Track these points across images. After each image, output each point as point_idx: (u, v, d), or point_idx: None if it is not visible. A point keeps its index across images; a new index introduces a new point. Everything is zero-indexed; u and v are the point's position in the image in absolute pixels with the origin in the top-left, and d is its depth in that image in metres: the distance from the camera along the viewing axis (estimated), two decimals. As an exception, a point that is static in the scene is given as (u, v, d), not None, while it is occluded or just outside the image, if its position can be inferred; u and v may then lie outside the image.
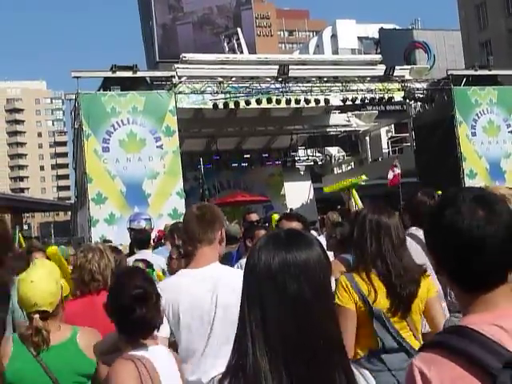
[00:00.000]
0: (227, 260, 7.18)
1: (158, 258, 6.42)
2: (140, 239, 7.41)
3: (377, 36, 63.58)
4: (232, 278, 3.05)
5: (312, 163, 29.91)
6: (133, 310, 2.63)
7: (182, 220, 3.78)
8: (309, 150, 30.26)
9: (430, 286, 3.34)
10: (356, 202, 7.52)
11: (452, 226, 1.56)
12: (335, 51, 70.83)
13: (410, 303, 3.23)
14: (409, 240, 3.64)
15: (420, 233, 3.96)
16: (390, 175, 20.34)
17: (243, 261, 5.48)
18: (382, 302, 3.18)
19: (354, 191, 7.83)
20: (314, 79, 19.76)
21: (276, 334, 1.43)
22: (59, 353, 2.93)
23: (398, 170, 19.95)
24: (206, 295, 3.10)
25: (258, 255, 1.51)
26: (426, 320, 3.42)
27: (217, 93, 18.74)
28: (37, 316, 2.90)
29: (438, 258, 1.65)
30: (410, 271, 3.26)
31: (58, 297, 3.06)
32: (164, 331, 3.13)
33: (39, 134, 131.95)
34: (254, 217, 7.08)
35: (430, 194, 4.53)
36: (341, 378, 1.44)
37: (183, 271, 3.35)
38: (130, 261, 5.83)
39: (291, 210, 20.45)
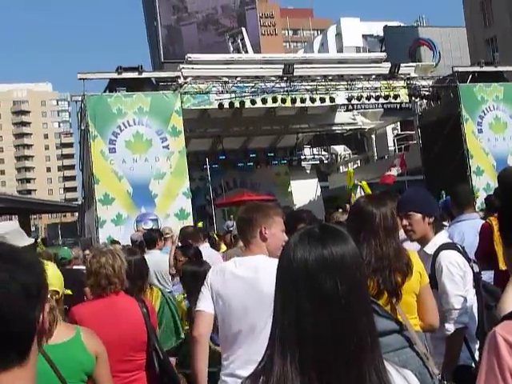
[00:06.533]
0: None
1: (166, 257, 6.74)
2: (148, 239, 7.55)
3: (381, 34, 63.39)
4: (273, 267, 3.05)
5: (318, 162, 29.93)
6: None
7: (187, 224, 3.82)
8: (314, 149, 30.27)
9: (423, 272, 3.33)
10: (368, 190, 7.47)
11: None
12: (340, 49, 70.68)
13: (396, 288, 3.17)
14: None
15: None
16: (387, 173, 20.56)
17: None
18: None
19: (365, 184, 7.79)
20: (318, 78, 19.74)
21: (310, 334, 1.37)
22: (65, 350, 2.87)
23: (394, 172, 19.99)
24: (246, 281, 3.16)
25: (292, 252, 1.44)
26: (417, 308, 3.34)
27: (222, 93, 18.75)
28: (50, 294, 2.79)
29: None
30: (396, 259, 3.21)
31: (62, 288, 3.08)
32: (209, 306, 3.24)
33: (45, 136, 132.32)
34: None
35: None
36: (371, 378, 1.37)
37: (232, 259, 3.48)
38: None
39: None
